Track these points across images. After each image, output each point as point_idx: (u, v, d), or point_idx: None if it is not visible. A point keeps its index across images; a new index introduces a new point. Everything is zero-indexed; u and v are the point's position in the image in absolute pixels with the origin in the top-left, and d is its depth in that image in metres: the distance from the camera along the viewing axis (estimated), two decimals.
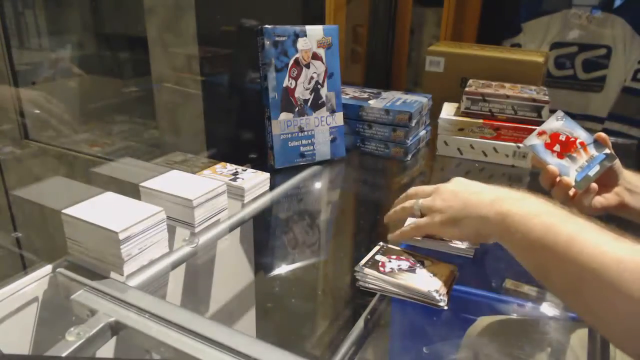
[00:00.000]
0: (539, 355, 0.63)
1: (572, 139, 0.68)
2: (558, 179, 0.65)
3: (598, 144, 0.67)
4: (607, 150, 0.67)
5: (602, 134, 0.68)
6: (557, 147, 0.68)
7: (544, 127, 0.70)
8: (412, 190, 0.67)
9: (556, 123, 0.70)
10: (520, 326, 0.67)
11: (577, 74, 1.65)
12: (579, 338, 0.60)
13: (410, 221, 0.65)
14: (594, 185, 0.64)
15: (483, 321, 0.67)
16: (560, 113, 0.70)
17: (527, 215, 0.49)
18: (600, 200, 0.66)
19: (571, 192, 0.65)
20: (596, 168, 0.66)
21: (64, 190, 0.88)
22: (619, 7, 1.57)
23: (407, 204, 0.65)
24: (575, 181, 0.65)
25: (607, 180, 0.66)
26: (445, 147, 1.06)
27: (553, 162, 0.66)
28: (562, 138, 0.68)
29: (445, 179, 0.64)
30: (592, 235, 0.44)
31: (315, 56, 0.95)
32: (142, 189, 0.69)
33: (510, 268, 0.73)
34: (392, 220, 0.67)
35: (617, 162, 0.66)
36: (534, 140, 0.69)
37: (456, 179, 0.63)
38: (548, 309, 0.66)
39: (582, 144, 0.68)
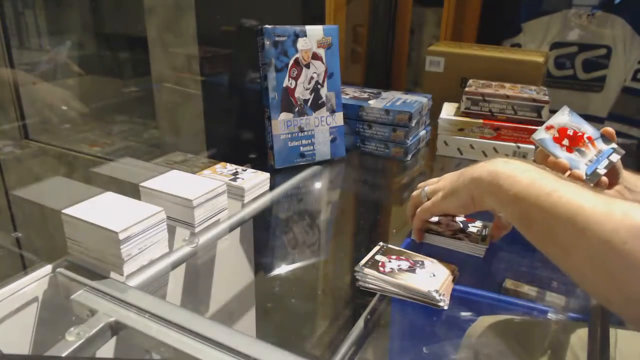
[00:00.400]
0: (538, 355, 0.63)
1: (580, 134, 0.68)
2: (569, 172, 0.65)
3: (605, 138, 0.68)
4: (614, 145, 0.67)
5: (609, 129, 0.68)
6: (565, 142, 0.68)
7: (551, 121, 0.70)
8: (422, 183, 0.71)
9: (563, 117, 0.70)
10: (520, 326, 0.67)
11: (577, 74, 1.65)
12: (579, 338, 0.60)
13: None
14: (605, 179, 0.64)
15: (483, 321, 0.67)
16: (566, 108, 0.71)
17: (515, 170, 0.53)
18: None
19: None
20: (605, 162, 0.66)
21: (64, 190, 0.88)
22: (619, 7, 1.57)
23: (414, 193, 0.69)
24: (586, 175, 0.65)
25: (609, 178, 0.66)
26: (445, 147, 1.06)
27: (563, 156, 0.66)
28: (570, 132, 0.68)
29: None
30: (575, 189, 0.48)
31: (315, 56, 0.95)
32: (142, 189, 0.69)
33: (511, 268, 0.74)
34: (409, 214, 0.70)
35: (618, 162, 0.66)
36: (543, 134, 0.69)
37: (453, 173, 0.66)
38: (548, 308, 0.66)
39: (589, 138, 0.68)
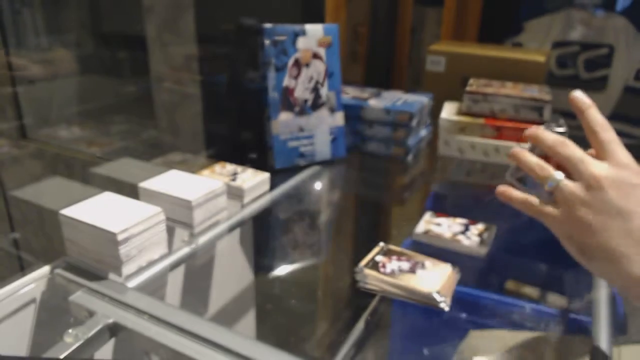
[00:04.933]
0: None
1: None
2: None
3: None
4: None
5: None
6: None
7: None
8: (564, 151, 0.45)
9: None
10: (514, 340, 0.67)
11: (579, 74, 1.64)
12: (580, 354, 0.59)
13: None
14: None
15: (473, 336, 0.66)
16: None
17: None
18: None
19: None
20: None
21: (62, 190, 0.88)
22: (622, 6, 1.57)
23: (544, 171, 0.46)
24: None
25: None
26: (446, 147, 1.06)
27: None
28: None
29: (446, 179, 0.63)
30: None
31: (315, 56, 0.95)
32: (141, 190, 0.69)
33: (511, 269, 0.73)
34: (515, 158, 0.49)
35: None
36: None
37: (618, 171, 0.42)
38: (549, 310, 0.65)
39: None
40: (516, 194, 0.49)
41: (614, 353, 0.53)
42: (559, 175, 0.45)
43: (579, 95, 0.46)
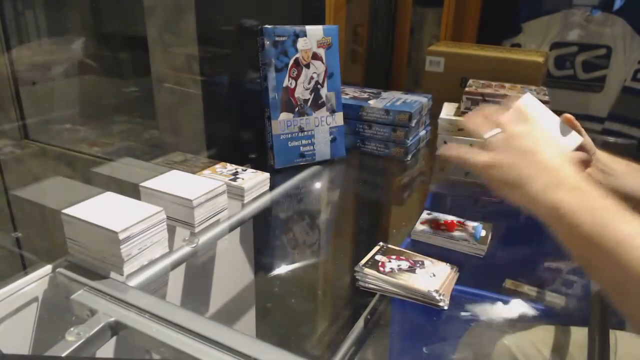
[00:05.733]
0: (536, 357, 0.63)
1: (450, 221, 0.76)
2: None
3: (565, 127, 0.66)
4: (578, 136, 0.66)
5: (568, 115, 0.65)
6: (444, 228, 0.74)
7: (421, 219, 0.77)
8: (496, 117, 0.61)
9: (429, 216, 0.77)
10: (518, 330, 0.67)
11: (577, 74, 1.65)
12: (578, 342, 0.60)
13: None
14: (581, 154, 0.63)
15: (479, 326, 0.67)
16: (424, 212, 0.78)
17: (578, 209, 0.47)
18: None
19: None
20: (481, 231, 0.73)
21: (63, 190, 0.88)
22: (619, 7, 1.57)
23: (482, 129, 0.60)
24: (476, 240, 0.71)
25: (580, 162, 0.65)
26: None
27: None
28: (442, 221, 0.76)
29: (446, 179, 0.64)
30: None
31: (315, 56, 0.95)
32: (142, 189, 0.69)
33: (511, 268, 0.74)
34: (464, 127, 0.64)
35: (590, 144, 0.65)
36: (421, 227, 0.74)
37: (533, 125, 0.59)
38: (548, 308, 0.66)
39: (459, 222, 0.75)
40: (452, 152, 0.61)
41: (611, 338, 0.54)
42: (491, 132, 0.59)
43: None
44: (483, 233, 0.72)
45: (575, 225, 0.46)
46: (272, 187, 0.84)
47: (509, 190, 0.54)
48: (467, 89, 1.05)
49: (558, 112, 0.68)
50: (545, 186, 0.51)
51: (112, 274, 0.58)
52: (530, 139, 0.57)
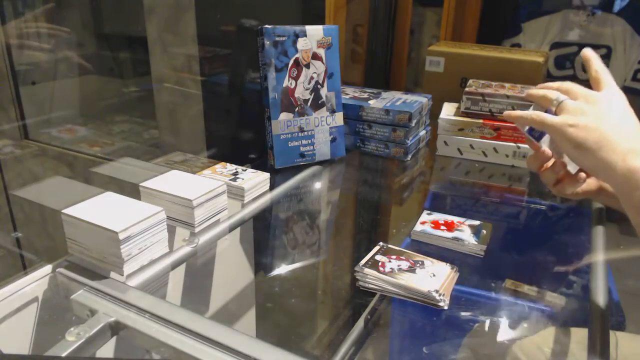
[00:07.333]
0: (538, 357, 0.63)
1: (450, 221, 0.76)
2: (551, 162, 0.64)
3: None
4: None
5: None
6: (443, 227, 0.75)
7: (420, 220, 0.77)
8: (567, 85, 0.61)
9: (429, 216, 0.78)
10: (519, 331, 0.67)
11: (577, 74, 1.65)
12: (579, 342, 0.60)
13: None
14: (582, 174, 0.64)
15: (482, 326, 0.67)
16: (424, 212, 0.78)
17: None
18: (581, 185, 0.65)
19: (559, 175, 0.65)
20: (483, 232, 0.73)
21: (63, 190, 0.88)
22: (619, 7, 1.57)
23: (551, 94, 0.60)
24: (476, 240, 0.71)
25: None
26: (445, 147, 1.06)
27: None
28: (442, 222, 0.77)
29: (445, 179, 0.64)
30: None
31: (315, 56, 0.95)
32: (142, 189, 0.69)
33: (511, 268, 0.74)
34: (531, 97, 0.64)
35: None
36: (420, 227, 0.74)
37: (611, 94, 0.57)
38: (548, 308, 0.66)
39: (459, 222, 0.76)
40: (520, 112, 0.62)
41: (611, 339, 0.54)
42: (563, 97, 0.59)
43: (587, 51, 0.64)
44: (483, 233, 0.72)
45: None
46: (272, 187, 0.84)
47: (583, 153, 0.53)
48: (467, 89, 1.05)
49: None
50: (627, 151, 0.50)
51: (112, 274, 0.58)
52: (613, 104, 0.56)
